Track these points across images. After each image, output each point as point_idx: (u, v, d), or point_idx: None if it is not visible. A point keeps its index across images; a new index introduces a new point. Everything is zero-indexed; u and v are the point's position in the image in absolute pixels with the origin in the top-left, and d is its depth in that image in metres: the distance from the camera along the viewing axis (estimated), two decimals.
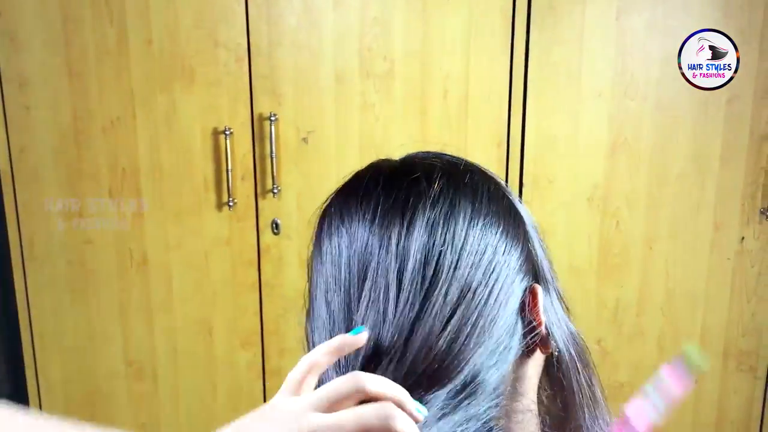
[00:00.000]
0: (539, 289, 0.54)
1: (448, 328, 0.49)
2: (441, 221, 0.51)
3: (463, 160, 0.58)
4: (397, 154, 0.60)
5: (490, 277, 0.51)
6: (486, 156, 1.73)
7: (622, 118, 1.73)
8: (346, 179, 0.57)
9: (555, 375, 0.57)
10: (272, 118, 1.71)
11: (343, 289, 0.53)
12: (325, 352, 0.50)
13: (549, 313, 0.55)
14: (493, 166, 1.60)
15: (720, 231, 1.77)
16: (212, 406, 1.89)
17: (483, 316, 0.51)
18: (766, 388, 1.86)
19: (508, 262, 0.52)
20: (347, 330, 0.52)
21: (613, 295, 1.81)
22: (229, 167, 1.72)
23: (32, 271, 1.78)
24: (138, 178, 1.74)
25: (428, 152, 0.58)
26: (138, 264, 1.79)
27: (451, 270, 0.50)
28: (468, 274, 0.50)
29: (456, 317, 0.50)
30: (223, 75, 1.70)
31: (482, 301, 0.51)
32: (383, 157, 0.59)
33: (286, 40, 1.69)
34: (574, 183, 1.77)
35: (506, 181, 1.59)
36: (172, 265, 1.80)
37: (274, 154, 1.73)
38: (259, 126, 1.73)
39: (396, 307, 0.50)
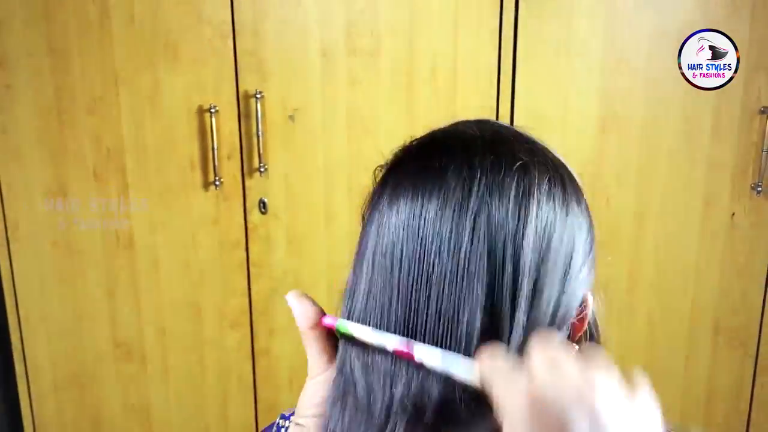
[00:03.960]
0: (589, 298, 0.53)
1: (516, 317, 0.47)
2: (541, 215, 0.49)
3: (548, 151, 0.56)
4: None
5: (568, 275, 0.50)
6: None
7: (612, 93, 1.71)
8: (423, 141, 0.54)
9: None
10: (258, 96, 1.68)
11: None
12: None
13: (592, 319, 0.55)
14: None
15: (710, 207, 1.76)
16: (201, 386, 1.88)
17: (546, 314, 0.49)
18: (755, 365, 1.86)
19: (583, 266, 0.52)
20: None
21: (602, 272, 1.80)
22: (215, 146, 1.70)
23: (17, 253, 1.76)
24: (122, 157, 1.72)
25: (518, 133, 0.55)
26: (124, 245, 1.78)
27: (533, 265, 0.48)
28: (548, 272, 0.49)
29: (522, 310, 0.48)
30: (208, 52, 1.67)
31: (550, 302, 0.49)
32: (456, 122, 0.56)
33: (270, 16, 1.66)
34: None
35: None
36: (158, 246, 1.78)
37: (260, 132, 1.70)
38: (245, 104, 1.70)
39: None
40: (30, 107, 1.67)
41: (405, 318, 0.47)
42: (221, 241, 1.79)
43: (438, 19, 1.68)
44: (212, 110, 1.68)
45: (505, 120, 1.73)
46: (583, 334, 0.54)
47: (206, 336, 1.85)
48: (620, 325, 1.84)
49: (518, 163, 0.50)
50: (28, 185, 1.72)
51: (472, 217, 0.47)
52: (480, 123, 0.56)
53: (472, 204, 0.47)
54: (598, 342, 0.56)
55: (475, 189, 0.48)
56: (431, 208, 0.48)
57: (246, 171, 1.75)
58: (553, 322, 0.49)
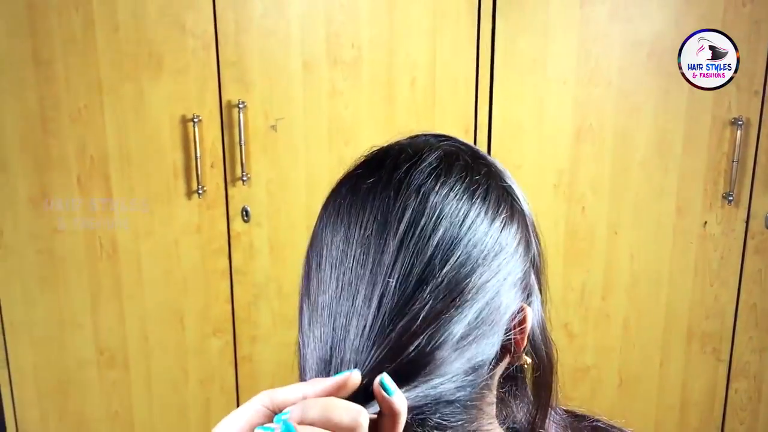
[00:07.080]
0: (528, 311, 0.53)
1: (438, 336, 0.48)
2: (451, 218, 0.50)
3: (479, 151, 0.56)
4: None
5: (491, 285, 0.50)
6: None
7: (586, 104, 1.75)
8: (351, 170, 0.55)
9: (516, 375, 0.58)
10: (240, 106, 1.71)
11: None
12: (318, 392, 0.45)
13: (534, 330, 0.55)
14: None
15: (683, 216, 1.80)
16: (184, 393, 1.90)
17: (479, 327, 0.50)
18: (729, 370, 1.90)
19: (513, 273, 0.52)
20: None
21: (579, 279, 1.84)
22: (198, 155, 1.73)
23: (1, 261, 1.77)
24: (106, 166, 1.74)
25: (445, 138, 0.56)
26: (108, 252, 1.79)
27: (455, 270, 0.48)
28: (472, 278, 0.49)
29: (450, 324, 0.48)
30: (191, 62, 1.70)
31: (480, 312, 0.49)
32: (390, 142, 0.57)
33: (253, 27, 1.69)
34: (541, 169, 1.79)
35: None
36: (142, 253, 1.80)
37: (243, 142, 1.73)
38: (228, 113, 1.73)
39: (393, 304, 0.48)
40: (14, 116, 1.69)
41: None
42: (204, 249, 1.81)
43: (417, 31, 1.71)
44: (195, 120, 1.71)
45: (482, 130, 1.77)
46: (527, 349, 0.55)
47: (189, 343, 1.87)
48: (596, 331, 1.88)
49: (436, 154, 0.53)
50: (12, 193, 1.74)
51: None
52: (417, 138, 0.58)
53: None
54: (549, 358, 0.56)
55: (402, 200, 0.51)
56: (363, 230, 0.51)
57: (229, 179, 1.77)
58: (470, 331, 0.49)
